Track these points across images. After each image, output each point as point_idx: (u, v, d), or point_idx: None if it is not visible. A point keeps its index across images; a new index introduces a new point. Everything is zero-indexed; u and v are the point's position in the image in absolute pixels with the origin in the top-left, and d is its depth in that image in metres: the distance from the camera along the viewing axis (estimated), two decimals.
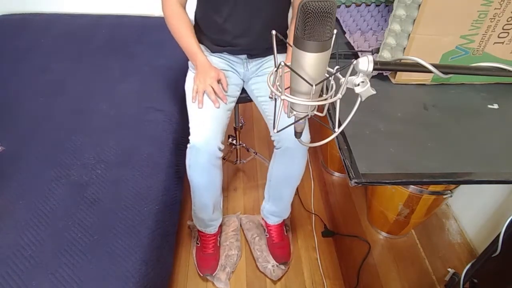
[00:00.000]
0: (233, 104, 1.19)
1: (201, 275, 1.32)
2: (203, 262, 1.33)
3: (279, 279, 1.33)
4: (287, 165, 1.19)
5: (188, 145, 1.06)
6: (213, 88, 1.09)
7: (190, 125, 1.09)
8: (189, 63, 1.20)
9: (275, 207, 1.34)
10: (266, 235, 1.41)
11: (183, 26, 1.12)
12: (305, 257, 1.41)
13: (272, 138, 1.16)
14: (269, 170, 1.27)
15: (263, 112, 1.21)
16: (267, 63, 1.21)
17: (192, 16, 1.18)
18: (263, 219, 1.42)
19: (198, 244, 1.37)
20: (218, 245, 1.38)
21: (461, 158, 0.69)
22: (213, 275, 1.31)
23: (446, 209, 1.59)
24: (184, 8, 1.14)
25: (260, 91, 1.20)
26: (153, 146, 1.21)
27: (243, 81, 1.26)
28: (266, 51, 1.20)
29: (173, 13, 1.11)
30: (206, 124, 1.06)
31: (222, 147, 1.09)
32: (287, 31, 1.21)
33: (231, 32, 1.12)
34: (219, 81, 1.11)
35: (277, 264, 1.34)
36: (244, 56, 1.19)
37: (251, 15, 1.08)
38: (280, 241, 1.38)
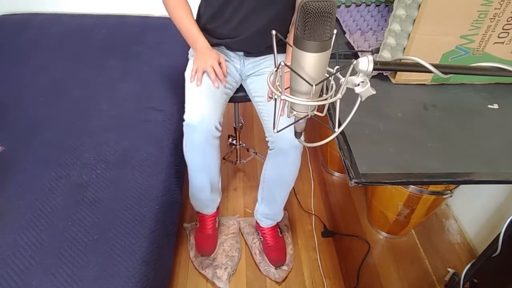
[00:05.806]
0: (230, 91, 1.18)
1: (200, 255, 1.33)
2: (202, 243, 1.33)
3: (283, 280, 1.33)
4: (280, 167, 1.16)
5: (184, 123, 1.02)
6: (213, 69, 1.07)
7: (186, 103, 1.05)
8: (189, 51, 1.18)
9: (268, 209, 1.32)
10: (261, 239, 1.39)
11: (184, 10, 1.10)
12: (305, 257, 1.41)
13: (267, 139, 1.13)
14: (263, 171, 1.25)
15: (259, 112, 1.19)
16: (265, 63, 1.20)
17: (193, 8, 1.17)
18: (256, 222, 1.40)
19: (197, 225, 1.37)
20: (217, 226, 1.37)
21: (461, 158, 0.69)
22: (210, 263, 1.31)
23: (446, 209, 1.59)
24: None
25: (257, 91, 1.18)
26: (153, 146, 1.21)
27: (241, 78, 1.25)
28: (264, 51, 1.19)
29: None
30: (202, 102, 1.02)
31: (220, 127, 1.06)
32: (288, 34, 1.20)
33: (231, 23, 1.10)
34: (219, 64, 1.09)
35: (276, 267, 1.34)
36: (242, 53, 1.19)
37: (254, 11, 1.06)
38: (275, 244, 1.36)
